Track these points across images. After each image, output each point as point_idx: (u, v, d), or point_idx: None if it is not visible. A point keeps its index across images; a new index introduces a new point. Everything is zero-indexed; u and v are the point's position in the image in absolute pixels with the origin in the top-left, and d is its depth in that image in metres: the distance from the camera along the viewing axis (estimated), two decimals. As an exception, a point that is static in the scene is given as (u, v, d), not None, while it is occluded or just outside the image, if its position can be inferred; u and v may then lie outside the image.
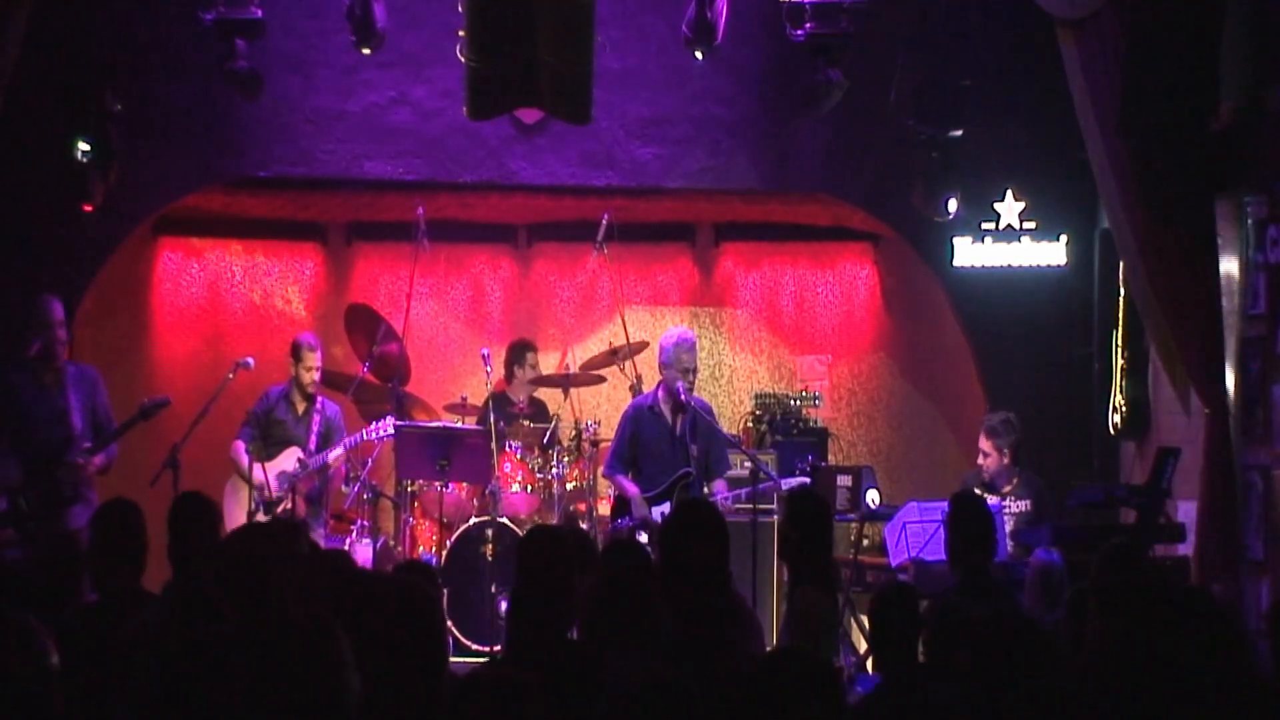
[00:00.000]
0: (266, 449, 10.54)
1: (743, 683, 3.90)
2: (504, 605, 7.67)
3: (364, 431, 10.60)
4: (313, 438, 10.60)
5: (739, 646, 5.61)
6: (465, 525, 10.39)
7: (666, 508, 9.60)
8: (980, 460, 10.16)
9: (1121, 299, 10.72)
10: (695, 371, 10.11)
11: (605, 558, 5.88)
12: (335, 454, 10.56)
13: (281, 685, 4.07)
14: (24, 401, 9.76)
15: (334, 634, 4.22)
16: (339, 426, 10.73)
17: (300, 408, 10.69)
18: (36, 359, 9.75)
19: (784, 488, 9.88)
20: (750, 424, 11.84)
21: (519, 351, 11.48)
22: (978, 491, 9.25)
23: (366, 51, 9.81)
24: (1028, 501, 10.07)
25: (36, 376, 9.79)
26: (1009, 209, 11.09)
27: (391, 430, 10.44)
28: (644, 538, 9.43)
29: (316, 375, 10.65)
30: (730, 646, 5.32)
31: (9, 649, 3.99)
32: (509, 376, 11.45)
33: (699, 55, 10.06)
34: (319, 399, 10.72)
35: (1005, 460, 10.13)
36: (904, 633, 5.59)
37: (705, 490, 9.90)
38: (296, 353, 10.68)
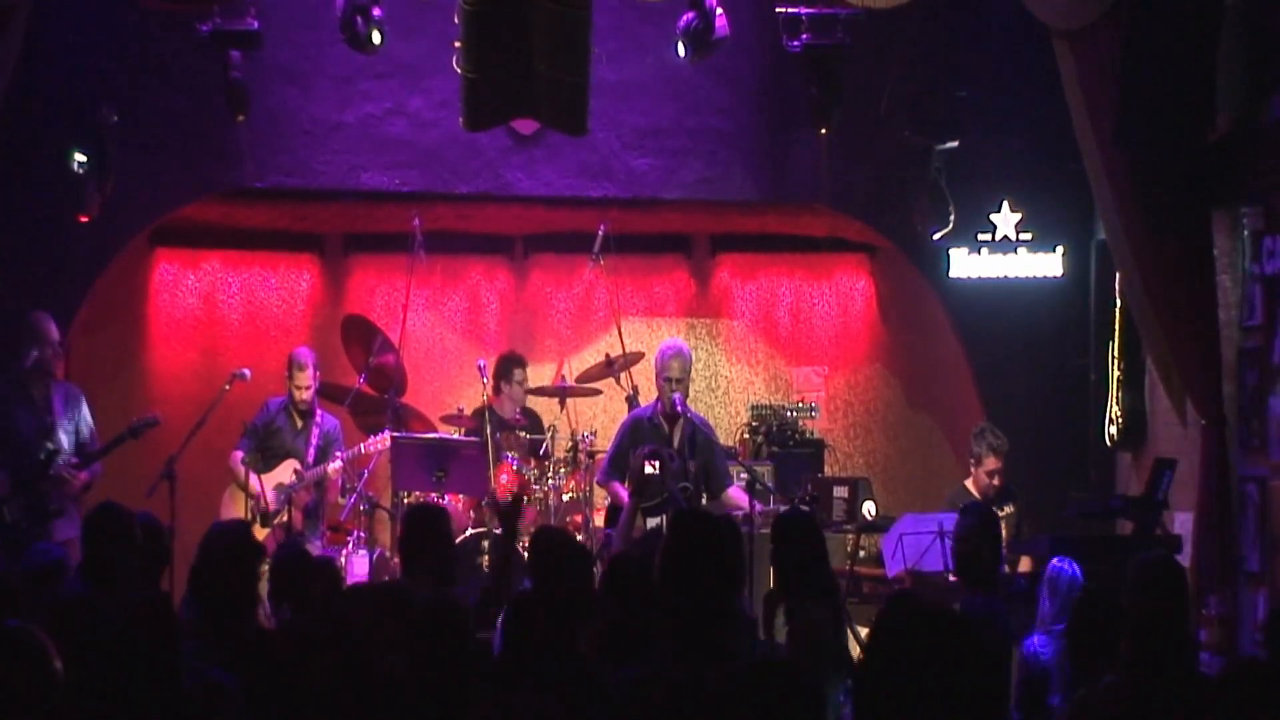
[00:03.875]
0: (264, 461, 10.55)
1: (721, 693, 3.89)
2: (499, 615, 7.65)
3: (361, 445, 10.61)
4: (311, 450, 10.62)
5: (739, 655, 5.59)
6: (462, 537, 10.37)
7: (661, 520, 9.59)
8: (991, 480, 10.12)
9: (1118, 310, 10.71)
10: (682, 381, 10.06)
11: (606, 574, 5.85)
12: (333, 466, 10.57)
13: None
14: (11, 414, 9.80)
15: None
16: (337, 440, 10.73)
17: (299, 422, 10.70)
18: (30, 372, 9.79)
19: (780, 511, 9.88)
20: (746, 435, 11.83)
21: (505, 367, 11.36)
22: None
23: (377, 39, 9.76)
24: (1009, 503, 10.14)
25: (25, 390, 9.83)
26: (1005, 220, 11.10)
27: (388, 444, 10.44)
28: (654, 469, 9.43)
29: (307, 394, 10.66)
30: (731, 656, 5.30)
31: (14, 658, 4.02)
32: (496, 390, 11.36)
33: (680, 50, 10.03)
34: (318, 413, 10.74)
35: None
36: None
37: (704, 501, 9.90)
38: (289, 368, 10.71)
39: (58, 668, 4.10)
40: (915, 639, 3.65)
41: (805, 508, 10.19)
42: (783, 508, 9.93)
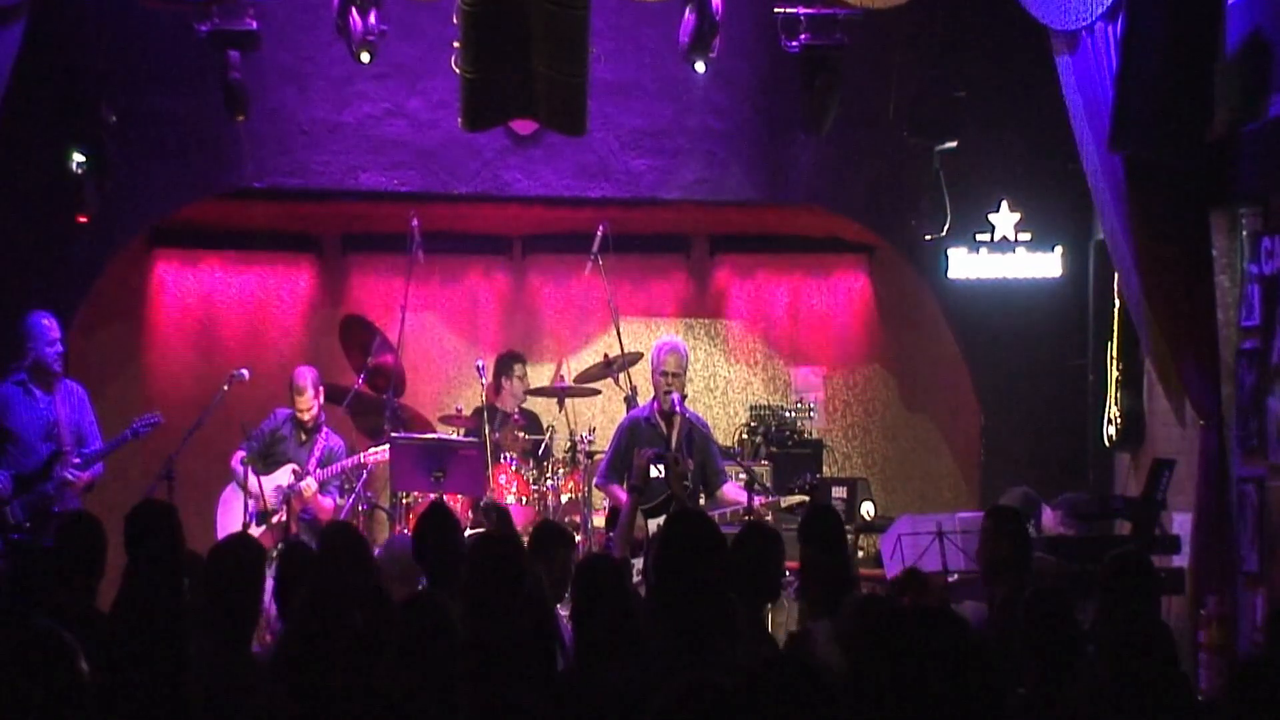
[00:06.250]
0: (265, 466, 10.54)
1: (739, 691, 3.88)
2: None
3: (360, 455, 10.61)
4: (312, 462, 10.59)
5: (733, 656, 5.59)
6: (460, 537, 10.36)
7: (662, 521, 9.59)
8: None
9: (1116, 310, 10.71)
10: (678, 376, 10.01)
11: (579, 576, 5.80)
12: (327, 500, 10.56)
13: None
14: (14, 415, 9.79)
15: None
16: (339, 458, 10.71)
17: (303, 436, 10.71)
18: (32, 372, 9.79)
19: (782, 504, 9.87)
20: (745, 436, 11.83)
21: (506, 364, 11.40)
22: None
23: (365, 58, 9.79)
24: None
25: (27, 391, 9.82)
26: (1004, 220, 11.10)
27: (386, 454, 10.43)
28: (659, 472, 9.42)
29: (308, 415, 10.66)
30: (725, 656, 5.29)
31: (40, 657, 4.03)
32: (496, 388, 11.37)
33: (699, 67, 10.05)
34: (325, 431, 10.72)
35: None
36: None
37: (702, 501, 9.90)
38: (289, 387, 10.69)
39: (84, 669, 4.10)
40: (890, 639, 3.67)
41: (810, 486, 10.20)
42: (783, 501, 9.95)
